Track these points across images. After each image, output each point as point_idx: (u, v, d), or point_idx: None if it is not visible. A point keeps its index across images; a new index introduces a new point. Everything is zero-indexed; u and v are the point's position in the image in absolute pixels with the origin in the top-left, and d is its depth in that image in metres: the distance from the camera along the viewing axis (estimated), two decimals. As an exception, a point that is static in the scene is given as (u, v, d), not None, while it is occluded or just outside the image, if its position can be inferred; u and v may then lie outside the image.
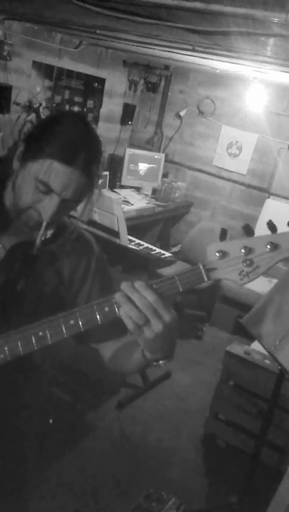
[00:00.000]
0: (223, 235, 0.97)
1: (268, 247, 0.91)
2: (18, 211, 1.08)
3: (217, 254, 0.94)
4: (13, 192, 1.09)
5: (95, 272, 1.21)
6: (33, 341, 0.97)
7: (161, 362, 1.02)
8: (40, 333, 0.97)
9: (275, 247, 0.91)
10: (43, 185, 1.02)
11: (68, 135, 1.03)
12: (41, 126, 1.07)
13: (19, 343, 0.98)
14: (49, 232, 1.14)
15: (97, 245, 1.25)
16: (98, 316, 0.95)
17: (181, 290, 0.94)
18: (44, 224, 1.06)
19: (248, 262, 0.92)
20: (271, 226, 0.93)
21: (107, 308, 0.95)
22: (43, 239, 1.11)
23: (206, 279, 0.94)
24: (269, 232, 0.93)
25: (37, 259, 1.13)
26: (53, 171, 1.01)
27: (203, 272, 0.93)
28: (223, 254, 0.93)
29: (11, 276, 1.11)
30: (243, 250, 0.92)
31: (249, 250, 0.92)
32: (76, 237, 1.22)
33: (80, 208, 1.13)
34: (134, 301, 0.91)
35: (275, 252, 0.91)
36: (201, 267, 0.94)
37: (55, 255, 1.16)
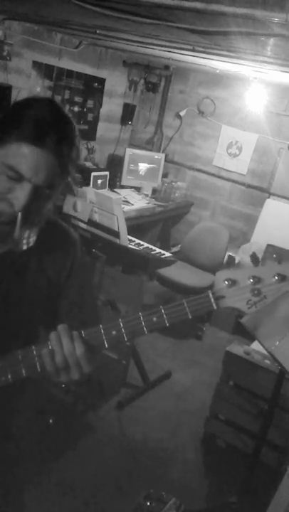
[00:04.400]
0: (231, 262, 0.98)
1: (276, 278, 0.92)
2: None
3: (226, 282, 0.94)
4: None
5: (76, 270, 1.20)
6: (37, 365, 0.99)
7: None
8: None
9: (283, 278, 0.92)
10: (11, 171, 0.95)
11: (35, 116, 0.97)
12: (7, 111, 1.01)
13: (22, 366, 1.00)
14: (32, 240, 1.09)
15: (80, 242, 1.22)
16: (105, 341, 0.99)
17: (190, 317, 0.95)
18: (19, 216, 0.98)
19: (255, 292, 0.93)
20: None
21: (114, 332, 0.98)
22: (26, 248, 1.08)
23: (214, 307, 0.95)
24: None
25: (26, 268, 1.11)
26: (21, 154, 0.95)
27: (212, 299, 0.94)
28: (232, 282, 0.94)
29: (1, 288, 1.09)
30: (251, 280, 0.93)
31: (257, 280, 0.93)
32: (62, 237, 1.18)
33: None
34: (63, 346, 0.96)
35: (282, 283, 0.92)
36: (211, 294, 0.94)
37: (42, 260, 1.13)
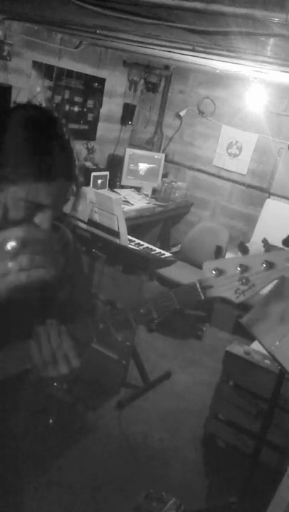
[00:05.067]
0: (218, 252, 0.99)
1: (264, 265, 0.92)
2: (9, 225, 1.02)
3: (213, 271, 0.94)
4: None
5: (70, 268, 1.20)
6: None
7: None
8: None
9: (270, 265, 0.92)
10: (34, 205, 0.98)
11: (41, 147, 0.95)
12: (12, 141, 0.96)
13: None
14: None
15: (75, 243, 1.24)
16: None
17: (178, 307, 0.95)
18: None
19: (244, 280, 0.93)
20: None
21: (101, 325, 1.01)
22: None
23: (202, 296, 0.95)
24: (263, 250, 0.94)
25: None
26: (42, 190, 0.96)
27: (199, 289, 0.95)
28: (220, 272, 0.94)
29: None
30: (239, 268, 0.93)
31: (245, 268, 0.93)
32: (55, 236, 1.17)
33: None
34: (50, 339, 0.98)
35: (270, 270, 0.92)
36: (198, 284, 0.95)
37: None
